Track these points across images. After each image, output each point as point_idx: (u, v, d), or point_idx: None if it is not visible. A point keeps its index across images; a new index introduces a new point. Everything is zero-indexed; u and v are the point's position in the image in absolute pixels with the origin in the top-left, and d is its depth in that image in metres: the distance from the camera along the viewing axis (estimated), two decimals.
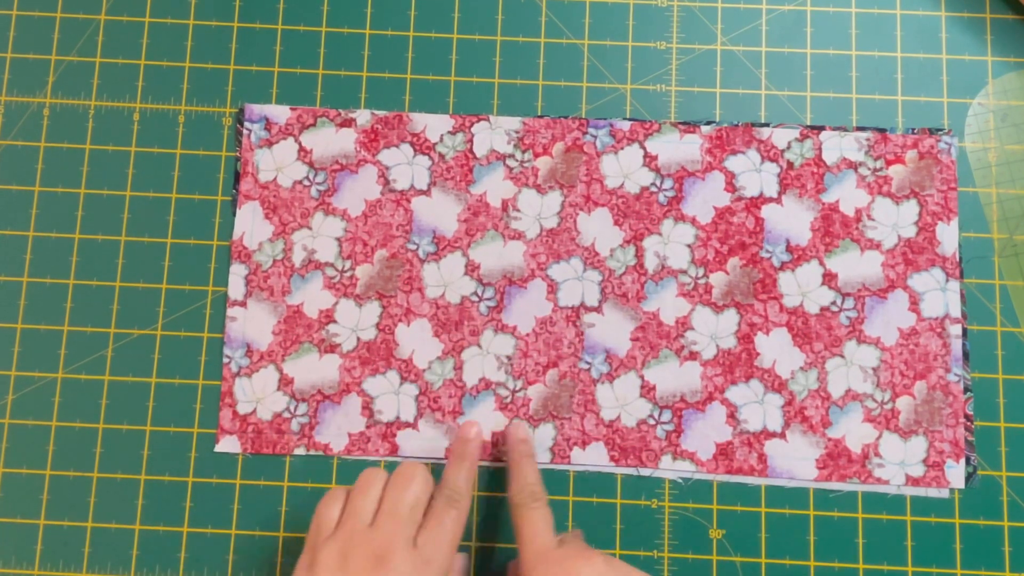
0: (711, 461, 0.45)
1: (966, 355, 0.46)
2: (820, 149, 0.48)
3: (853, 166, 0.47)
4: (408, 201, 0.48)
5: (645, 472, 0.45)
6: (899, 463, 0.45)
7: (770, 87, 0.49)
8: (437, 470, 0.46)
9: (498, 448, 0.45)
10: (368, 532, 0.37)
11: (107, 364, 0.47)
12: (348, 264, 0.47)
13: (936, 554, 0.45)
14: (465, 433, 0.44)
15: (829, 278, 0.47)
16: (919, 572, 0.44)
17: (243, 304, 0.47)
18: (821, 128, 0.48)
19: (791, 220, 0.47)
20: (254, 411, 0.46)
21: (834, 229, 0.47)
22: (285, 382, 0.46)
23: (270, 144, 0.48)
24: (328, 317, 0.47)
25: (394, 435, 0.46)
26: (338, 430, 0.46)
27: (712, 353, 0.46)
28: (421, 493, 0.39)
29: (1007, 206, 0.47)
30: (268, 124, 0.48)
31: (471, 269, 0.47)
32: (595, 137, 0.48)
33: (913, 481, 0.45)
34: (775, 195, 0.47)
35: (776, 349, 0.46)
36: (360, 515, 0.38)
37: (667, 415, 0.46)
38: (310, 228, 0.47)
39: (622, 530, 0.45)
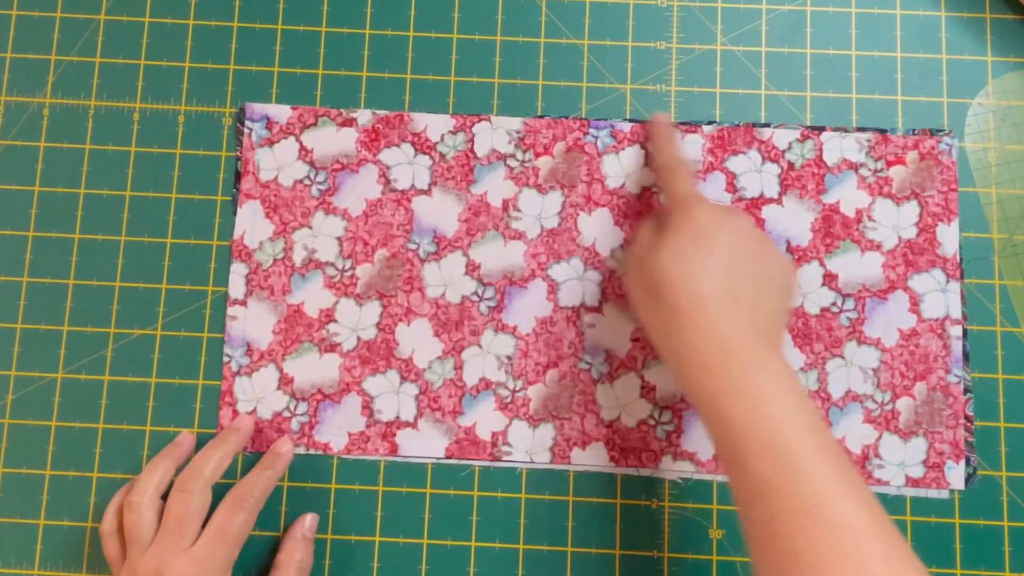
0: (711, 461, 0.45)
1: (966, 356, 0.46)
2: (821, 150, 0.48)
3: (854, 167, 0.47)
4: (409, 201, 0.48)
5: (645, 472, 0.45)
6: (899, 464, 0.45)
7: (770, 87, 0.49)
8: (435, 469, 0.46)
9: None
10: (144, 559, 0.40)
11: (107, 364, 0.47)
12: (348, 263, 0.47)
13: (936, 554, 0.45)
14: (278, 447, 0.45)
15: (829, 279, 0.46)
16: None
17: (243, 303, 0.47)
18: (822, 129, 0.48)
19: (792, 221, 0.47)
20: (254, 410, 0.46)
21: (835, 230, 0.47)
22: (285, 381, 0.46)
23: (271, 143, 0.48)
24: (328, 316, 0.47)
25: (394, 435, 0.46)
26: (338, 429, 0.46)
27: None
28: (200, 503, 0.41)
29: (1007, 206, 0.47)
30: (269, 123, 0.48)
31: (471, 269, 0.47)
32: (596, 138, 0.48)
33: (913, 482, 0.45)
34: (776, 196, 0.47)
35: None
36: (138, 541, 0.41)
37: (667, 415, 0.46)
38: (311, 227, 0.47)
39: (622, 530, 0.45)
